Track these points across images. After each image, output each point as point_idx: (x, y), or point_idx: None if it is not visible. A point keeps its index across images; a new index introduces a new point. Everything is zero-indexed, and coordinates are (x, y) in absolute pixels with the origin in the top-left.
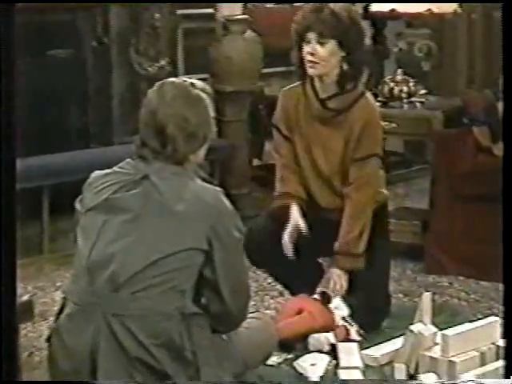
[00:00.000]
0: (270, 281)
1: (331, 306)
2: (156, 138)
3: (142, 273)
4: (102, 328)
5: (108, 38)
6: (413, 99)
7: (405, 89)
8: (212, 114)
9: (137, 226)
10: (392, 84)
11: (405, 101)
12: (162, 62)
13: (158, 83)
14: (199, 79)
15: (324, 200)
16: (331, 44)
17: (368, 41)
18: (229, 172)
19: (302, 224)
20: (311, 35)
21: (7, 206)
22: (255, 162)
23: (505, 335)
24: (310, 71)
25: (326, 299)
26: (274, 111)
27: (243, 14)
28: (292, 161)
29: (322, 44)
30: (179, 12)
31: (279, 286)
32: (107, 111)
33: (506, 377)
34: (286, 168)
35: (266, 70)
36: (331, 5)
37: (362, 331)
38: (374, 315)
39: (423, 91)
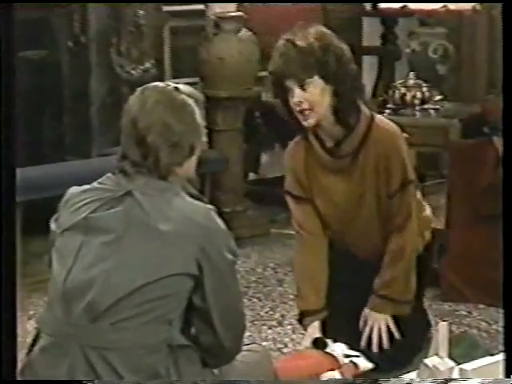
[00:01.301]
0: (267, 309)
1: (328, 350)
2: (137, 149)
3: (124, 301)
4: (79, 362)
5: (86, 38)
6: (427, 106)
7: (418, 94)
8: (200, 121)
9: (118, 249)
10: (403, 89)
11: (418, 108)
12: (147, 65)
13: (139, 88)
14: (188, 83)
15: (361, 251)
16: (314, 83)
17: (354, 66)
18: (221, 187)
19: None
20: (289, 83)
21: (7, 219)
22: (251, 176)
23: (505, 335)
24: (306, 123)
25: (321, 345)
26: (272, 119)
27: (237, 10)
28: (315, 226)
29: (303, 88)
30: (166, 9)
31: (278, 315)
32: (85, 119)
33: (506, 377)
34: (308, 244)
35: (263, 74)
36: (297, 40)
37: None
38: (407, 352)
39: (438, 97)
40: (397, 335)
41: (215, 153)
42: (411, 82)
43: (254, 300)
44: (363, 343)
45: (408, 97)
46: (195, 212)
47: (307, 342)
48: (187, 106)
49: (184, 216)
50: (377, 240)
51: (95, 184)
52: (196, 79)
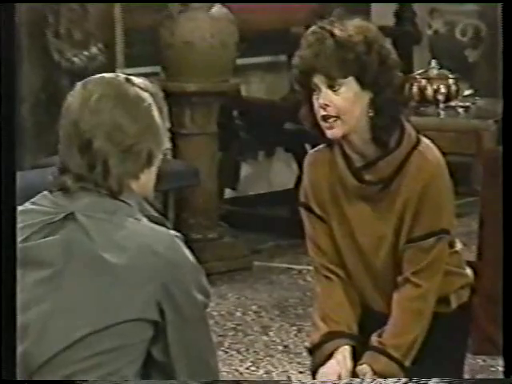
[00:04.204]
0: (248, 364)
1: None
2: (80, 158)
3: (65, 354)
4: None
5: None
6: (454, 103)
7: (442, 88)
8: (160, 122)
9: (57, 287)
10: (424, 81)
11: (442, 105)
12: (93, 50)
13: (81, 82)
14: (146, 74)
15: (377, 302)
16: (348, 85)
17: (400, 74)
18: (189, 208)
19: (346, 374)
20: (317, 80)
21: (6, 222)
22: (228, 193)
23: (504, 334)
24: (329, 133)
25: None
26: (255, 120)
27: None
28: (333, 250)
29: (333, 89)
30: None
31: (262, 372)
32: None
33: (506, 377)
34: (328, 271)
35: (242, 61)
36: (336, 31)
37: None
38: None
39: (468, 91)
40: None
41: (182, 163)
42: (434, 72)
43: (232, 352)
44: None
45: (429, 91)
46: (156, 240)
47: (332, 371)
48: (142, 102)
49: (141, 245)
50: (392, 292)
51: (28, 205)
52: (156, 69)
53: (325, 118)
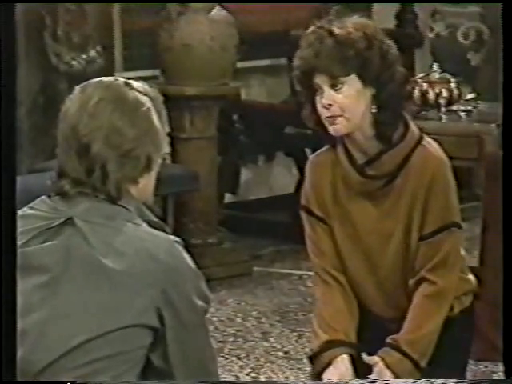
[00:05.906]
0: (248, 371)
1: None
2: (78, 163)
3: (63, 360)
4: None
5: None
6: (455, 107)
7: (444, 92)
8: (159, 126)
9: (55, 293)
10: (425, 85)
11: (444, 109)
12: (92, 53)
13: (80, 85)
14: (145, 78)
15: (378, 305)
16: (350, 83)
17: (402, 69)
18: (189, 213)
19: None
20: (319, 80)
21: (6, 226)
22: (228, 198)
23: (504, 334)
24: (333, 131)
25: None
26: (255, 124)
27: None
28: (334, 254)
29: (335, 88)
30: None
31: (263, 378)
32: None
33: (506, 377)
34: (328, 275)
35: (242, 65)
36: (335, 29)
37: None
38: None
39: (470, 95)
40: None
41: (181, 168)
42: (435, 75)
43: (232, 358)
44: None
45: (431, 95)
46: (155, 245)
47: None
48: (141, 106)
49: (140, 250)
50: (398, 296)
51: (26, 210)
52: (155, 72)
53: (329, 117)
